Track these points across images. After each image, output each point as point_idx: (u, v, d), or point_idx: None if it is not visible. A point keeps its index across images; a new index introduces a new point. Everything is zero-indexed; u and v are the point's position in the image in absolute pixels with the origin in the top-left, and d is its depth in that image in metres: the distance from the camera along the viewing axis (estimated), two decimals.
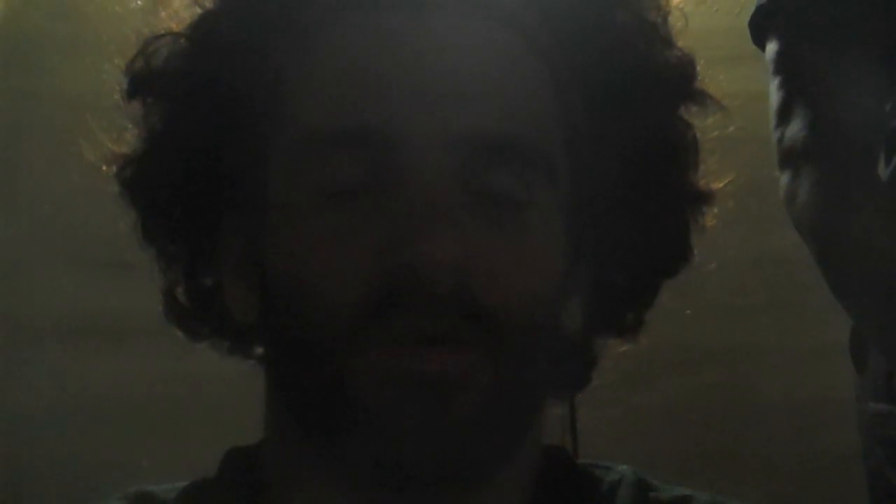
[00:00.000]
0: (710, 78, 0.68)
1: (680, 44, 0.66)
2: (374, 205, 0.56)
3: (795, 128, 1.07)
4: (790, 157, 1.07)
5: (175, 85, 0.64)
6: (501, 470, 0.59)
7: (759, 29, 1.15)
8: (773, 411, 1.59)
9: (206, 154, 0.63)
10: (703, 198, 0.67)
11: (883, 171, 1.10)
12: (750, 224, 1.48)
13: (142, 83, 0.65)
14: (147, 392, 1.53)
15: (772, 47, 1.11)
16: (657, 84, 0.64)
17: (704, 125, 0.67)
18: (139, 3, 0.68)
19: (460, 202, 0.56)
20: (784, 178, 1.09)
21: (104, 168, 0.66)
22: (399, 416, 0.54)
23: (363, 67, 0.58)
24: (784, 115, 1.09)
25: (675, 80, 0.65)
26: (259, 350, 0.67)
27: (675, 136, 0.65)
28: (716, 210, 0.68)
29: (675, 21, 0.66)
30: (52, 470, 1.54)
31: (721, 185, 0.67)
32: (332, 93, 0.58)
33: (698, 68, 0.66)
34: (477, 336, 0.55)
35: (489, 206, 0.57)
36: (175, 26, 0.65)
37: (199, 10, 0.64)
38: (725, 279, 1.53)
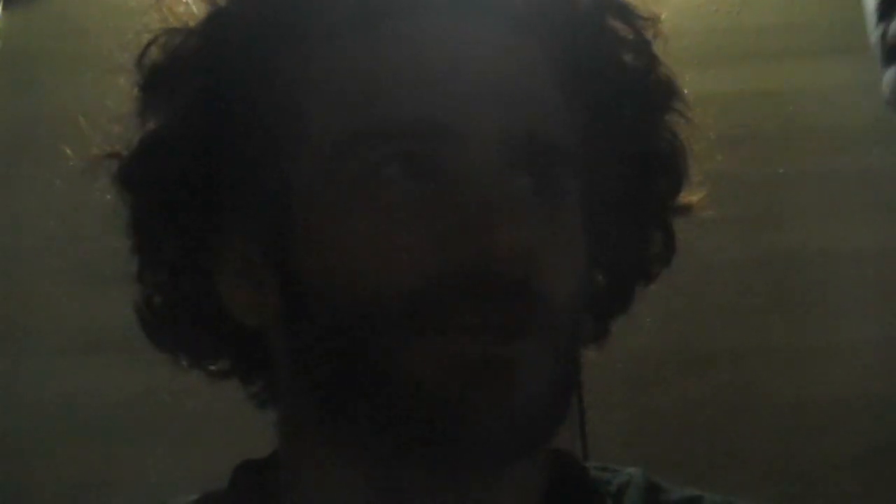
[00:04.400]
0: (712, 77, 0.68)
1: (681, 44, 0.67)
2: (431, 194, 0.56)
3: None
4: None
5: (184, 81, 0.63)
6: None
7: None
8: (782, 411, 1.58)
9: (211, 152, 0.62)
10: (680, 210, 0.68)
11: None
12: (757, 223, 1.48)
13: (152, 75, 0.64)
14: (155, 406, 1.52)
15: None
16: (647, 98, 0.66)
17: (707, 124, 0.67)
18: (141, 21, 0.68)
19: (518, 193, 0.57)
20: (890, 73, 1.07)
21: (106, 164, 0.66)
22: (466, 401, 0.54)
23: (411, 64, 0.59)
24: (887, 11, 1.08)
25: (663, 95, 0.67)
26: (223, 364, 0.67)
27: (660, 149, 0.67)
28: (723, 210, 0.69)
29: (663, 34, 0.67)
30: (58, 485, 1.54)
31: (698, 197, 0.68)
32: (378, 89, 0.58)
33: (700, 68, 0.67)
34: (535, 324, 0.55)
35: (536, 199, 0.57)
36: (184, 23, 0.64)
37: (210, 7, 0.64)
38: (733, 280, 1.53)
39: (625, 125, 0.65)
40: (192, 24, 0.64)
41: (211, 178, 0.62)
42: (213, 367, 0.68)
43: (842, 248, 1.59)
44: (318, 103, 0.60)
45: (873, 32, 1.08)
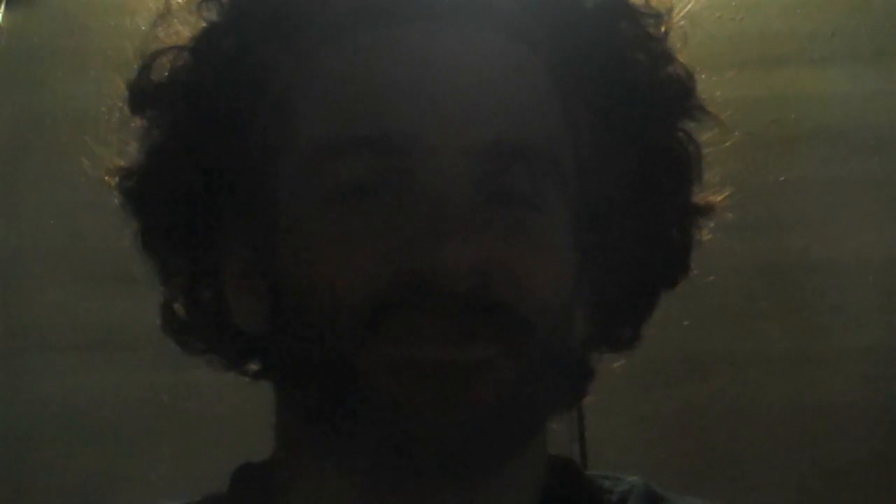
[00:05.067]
0: (716, 84, 0.68)
1: (685, 51, 0.66)
2: (390, 206, 0.56)
3: None
4: None
5: (179, 98, 0.64)
6: (508, 465, 0.59)
7: None
8: (780, 418, 1.58)
9: (209, 165, 0.63)
10: (702, 211, 0.67)
11: None
12: (759, 230, 1.48)
13: (146, 97, 0.65)
14: (153, 405, 1.52)
15: None
16: (659, 98, 0.65)
17: (710, 134, 0.67)
18: (143, 18, 0.68)
19: (477, 205, 0.56)
20: None
21: (107, 180, 0.67)
22: (416, 404, 0.54)
23: (379, 76, 0.59)
24: None
25: (676, 95, 0.66)
26: (254, 365, 0.67)
27: (676, 150, 0.66)
28: (721, 217, 0.68)
29: (678, 32, 0.66)
30: (55, 484, 1.53)
31: (720, 197, 0.68)
32: (347, 101, 0.59)
33: (703, 75, 0.67)
34: (495, 333, 0.55)
35: (504, 208, 0.57)
36: (178, 41, 0.65)
37: (201, 24, 0.65)
38: (732, 286, 1.53)
39: (633, 126, 0.64)
40: (184, 40, 0.65)
41: (210, 190, 0.63)
42: (247, 369, 0.68)
43: (844, 255, 1.59)
44: (299, 114, 0.60)
45: None
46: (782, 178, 1.43)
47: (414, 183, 0.56)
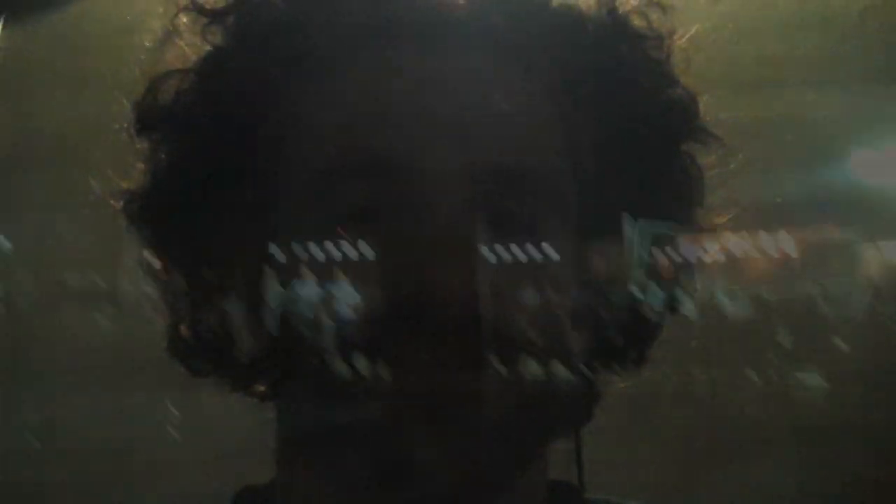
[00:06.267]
0: (711, 106, 0.68)
1: (683, 77, 0.67)
2: (385, 231, 0.56)
3: None
4: None
5: (184, 121, 0.64)
6: (506, 493, 0.59)
7: None
8: (780, 440, 1.58)
9: (213, 190, 0.63)
10: (707, 232, 0.68)
11: None
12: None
13: (151, 119, 0.65)
14: (152, 428, 1.52)
15: None
16: (661, 121, 0.65)
17: (712, 157, 0.68)
18: (142, 39, 0.68)
19: (473, 229, 0.56)
20: None
21: (110, 202, 0.67)
22: (409, 436, 0.54)
23: (377, 101, 0.59)
24: None
25: (678, 118, 0.66)
26: (261, 387, 0.67)
27: (679, 172, 0.66)
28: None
29: (682, 55, 0.67)
30: None
31: (724, 219, 0.68)
32: (346, 125, 0.59)
33: (701, 100, 0.67)
34: (492, 360, 0.55)
35: (500, 233, 0.57)
36: (181, 63, 0.65)
37: (206, 47, 0.65)
38: None
39: (639, 147, 0.64)
40: (189, 63, 0.65)
41: (214, 213, 0.63)
42: (253, 391, 0.69)
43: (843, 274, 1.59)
44: (299, 139, 0.61)
45: None
46: (779, 200, 1.43)
47: (410, 207, 0.56)
